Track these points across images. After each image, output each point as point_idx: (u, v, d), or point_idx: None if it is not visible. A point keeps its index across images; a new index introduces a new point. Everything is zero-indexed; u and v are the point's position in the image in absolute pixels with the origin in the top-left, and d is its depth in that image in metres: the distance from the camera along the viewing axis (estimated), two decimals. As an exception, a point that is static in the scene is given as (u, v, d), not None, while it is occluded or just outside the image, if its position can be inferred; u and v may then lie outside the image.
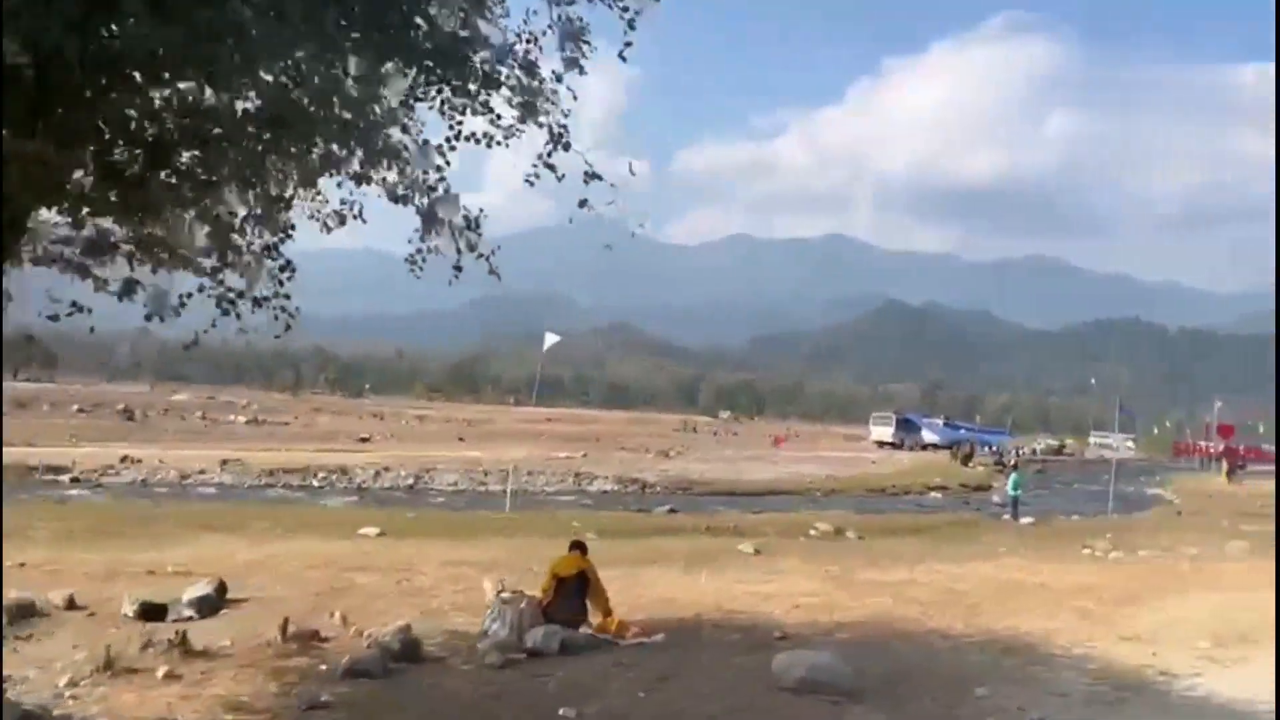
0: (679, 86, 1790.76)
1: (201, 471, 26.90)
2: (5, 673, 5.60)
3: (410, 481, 28.31)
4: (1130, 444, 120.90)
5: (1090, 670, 7.97)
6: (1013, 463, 53.52)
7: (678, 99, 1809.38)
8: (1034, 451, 75.94)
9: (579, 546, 8.04)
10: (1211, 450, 57.24)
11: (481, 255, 5.16)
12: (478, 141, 4.82)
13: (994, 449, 72.44)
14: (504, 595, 7.45)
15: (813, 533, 20.65)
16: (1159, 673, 8.11)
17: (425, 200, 4.91)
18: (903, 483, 37.18)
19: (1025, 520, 25.18)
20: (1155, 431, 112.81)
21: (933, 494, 35.57)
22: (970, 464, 47.98)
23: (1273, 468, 62.00)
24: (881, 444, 67.12)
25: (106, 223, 4.76)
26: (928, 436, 69.28)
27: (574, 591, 7.43)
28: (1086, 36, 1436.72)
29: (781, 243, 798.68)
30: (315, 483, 27.12)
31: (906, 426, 69.98)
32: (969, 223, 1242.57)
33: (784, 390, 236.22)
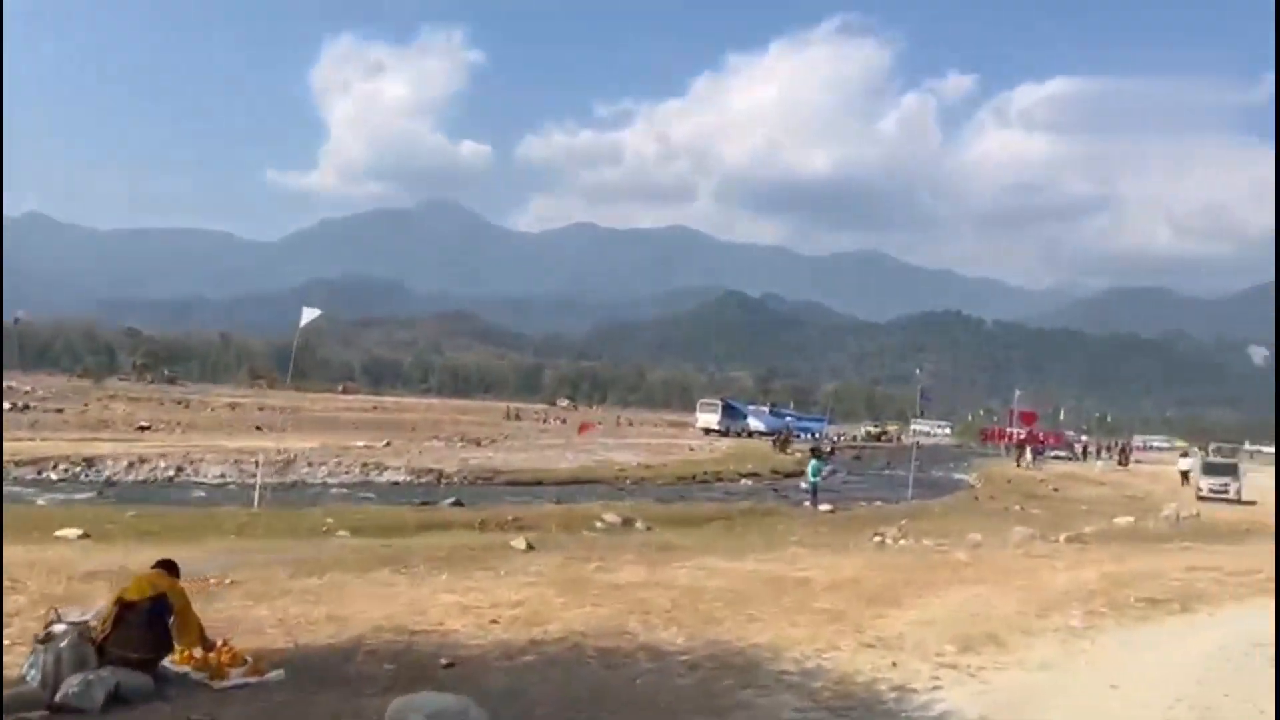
0: (523, 73, 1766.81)
1: (-90, 465, 23.23)
2: None
3: (171, 474, 25.41)
4: (948, 430, 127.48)
5: (813, 690, 6.81)
6: (829, 449, 54.39)
7: (521, 85, 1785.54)
8: (855, 438, 77.89)
9: (166, 565, 6.24)
10: (1015, 435, 59.87)
11: None
12: None
13: (816, 435, 73.93)
14: (55, 627, 5.57)
15: (599, 525, 19.35)
16: (893, 688, 7.05)
17: None
18: (716, 469, 36.61)
19: (824, 507, 24.76)
20: (970, 419, 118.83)
21: (744, 481, 35.10)
22: (787, 450, 48.14)
23: (1069, 453, 65.74)
24: (708, 431, 67.28)
25: None
26: (753, 424, 69.95)
27: (144, 621, 5.62)
28: (914, 43, 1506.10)
29: (625, 232, 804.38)
30: (53, 476, 23.93)
31: (732, 413, 70.45)
32: (805, 217, 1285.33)
33: (626, 378, 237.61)
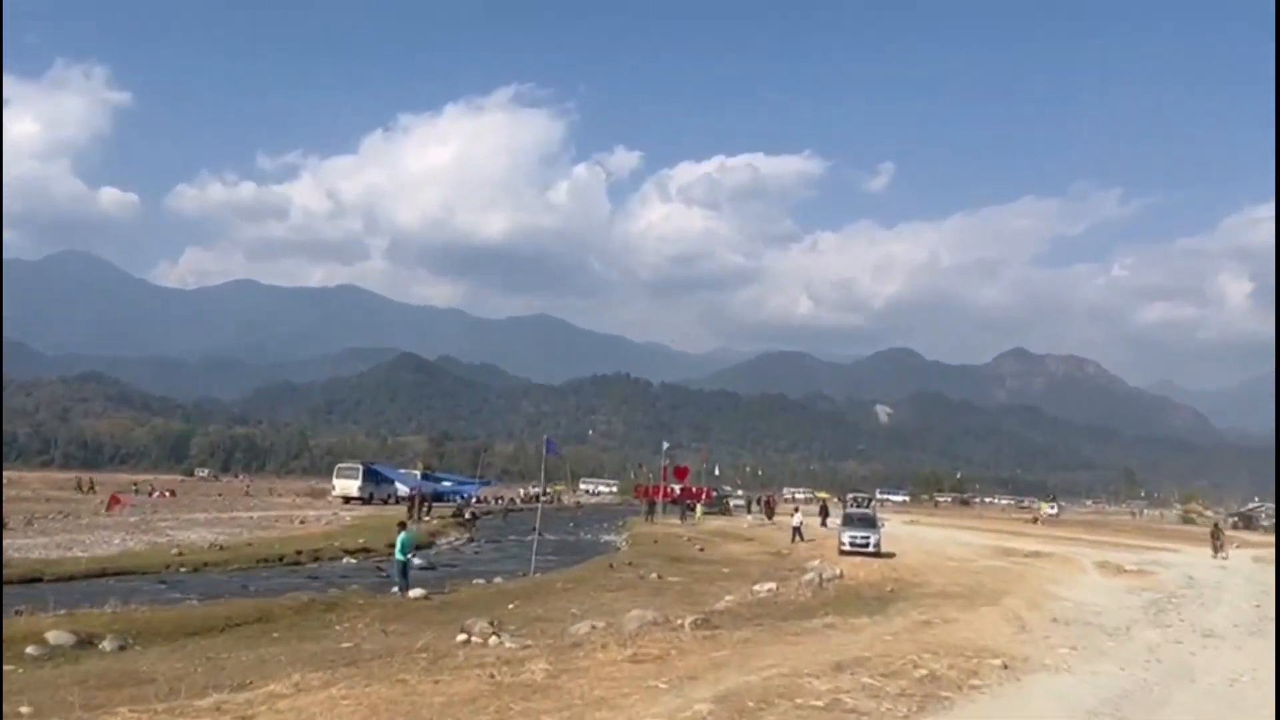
0: (175, 118, 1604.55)
1: None
2: None
3: None
4: (614, 488, 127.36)
5: None
6: (469, 515, 49.29)
7: (174, 131, 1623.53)
8: (513, 500, 73.69)
9: None
10: (669, 491, 58.13)
11: None
12: None
13: (474, 499, 69.14)
14: None
15: (31, 652, 12.76)
16: None
17: None
18: (317, 547, 30.13)
19: (416, 593, 19.44)
20: (633, 476, 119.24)
21: (348, 559, 28.95)
22: (417, 518, 42.37)
23: (718, 508, 65.28)
24: (349, 499, 59.95)
25: None
26: (401, 489, 63.39)
27: None
28: (584, 116, 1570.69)
29: (291, 291, 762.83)
30: None
31: (375, 478, 63.46)
32: (482, 280, 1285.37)
33: (288, 444, 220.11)
